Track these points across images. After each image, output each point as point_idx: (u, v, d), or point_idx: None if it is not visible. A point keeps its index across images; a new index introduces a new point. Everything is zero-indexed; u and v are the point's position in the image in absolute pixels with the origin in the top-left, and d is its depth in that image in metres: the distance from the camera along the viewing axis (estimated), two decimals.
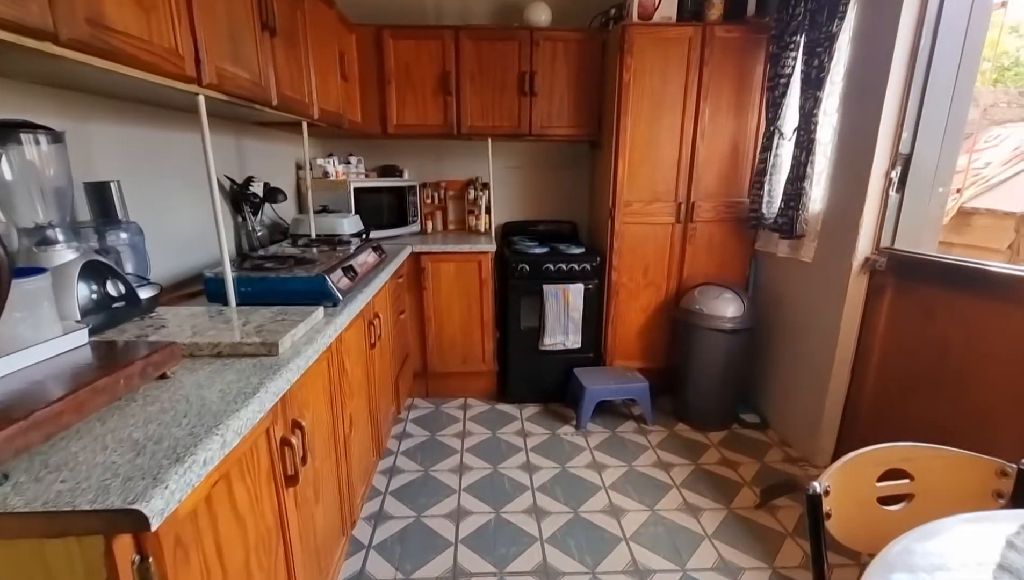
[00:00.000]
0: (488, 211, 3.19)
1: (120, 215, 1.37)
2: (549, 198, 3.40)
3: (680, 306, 2.73)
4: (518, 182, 3.36)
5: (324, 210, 2.43)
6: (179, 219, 1.74)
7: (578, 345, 2.90)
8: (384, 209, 2.94)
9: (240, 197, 2.02)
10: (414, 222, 3.11)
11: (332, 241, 2.04)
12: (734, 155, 2.73)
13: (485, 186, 3.22)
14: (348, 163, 2.98)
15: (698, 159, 2.71)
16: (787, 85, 2.44)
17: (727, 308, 2.54)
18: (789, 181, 2.38)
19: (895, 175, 1.99)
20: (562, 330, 2.87)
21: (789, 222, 2.37)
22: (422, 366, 2.98)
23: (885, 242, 2.05)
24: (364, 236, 2.51)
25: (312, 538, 1.29)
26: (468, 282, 2.85)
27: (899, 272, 1.97)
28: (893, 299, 2.00)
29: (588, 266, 2.83)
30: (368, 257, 1.93)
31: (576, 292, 2.80)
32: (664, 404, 2.94)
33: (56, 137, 1.03)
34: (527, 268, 2.81)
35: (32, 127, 1.00)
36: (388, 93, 2.82)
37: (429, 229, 3.28)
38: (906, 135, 1.95)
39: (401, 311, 2.63)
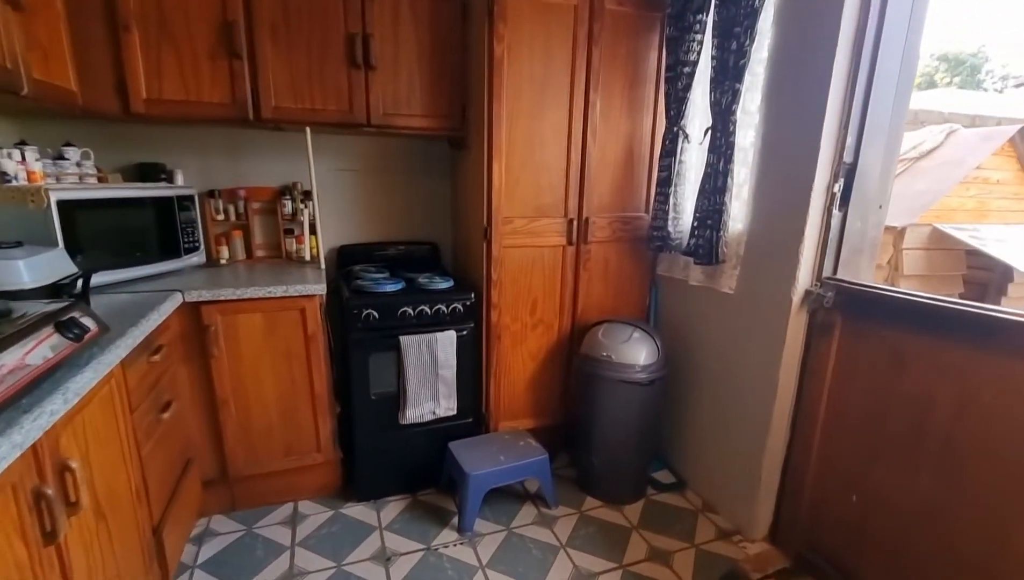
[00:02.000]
0: (314, 231, 2.27)
1: None
2: (400, 212, 2.58)
3: (581, 352, 2.14)
4: (356, 191, 2.49)
5: None
6: None
7: (453, 411, 2.15)
8: (133, 234, 1.84)
9: None
10: (194, 251, 2.05)
11: None
12: (629, 160, 2.23)
13: (308, 196, 2.29)
14: (62, 159, 1.81)
15: (590, 164, 2.15)
16: (692, 76, 1.99)
17: (639, 353, 2.02)
18: (703, 194, 1.93)
19: (838, 189, 1.62)
20: (430, 394, 2.09)
21: (707, 245, 1.91)
22: (220, 470, 1.95)
23: (827, 271, 1.68)
24: (82, 285, 1.43)
25: None
26: (287, 340, 1.91)
27: (852, 310, 1.60)
28: (844, 343, 1.63)
29: (460, 306, 2.09)
30: (30, 353, 0.93)
31: (447, 342, 2.05)
32: (562, 466, 2.35)
33: None
34: (375, 314, 1.97)
35: None
36: (128, 47, 1.75)
37: (224, 259, 2.24)
38: (851, 140, 1.58)
39: (165, 404, 1.60)
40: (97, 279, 1.64)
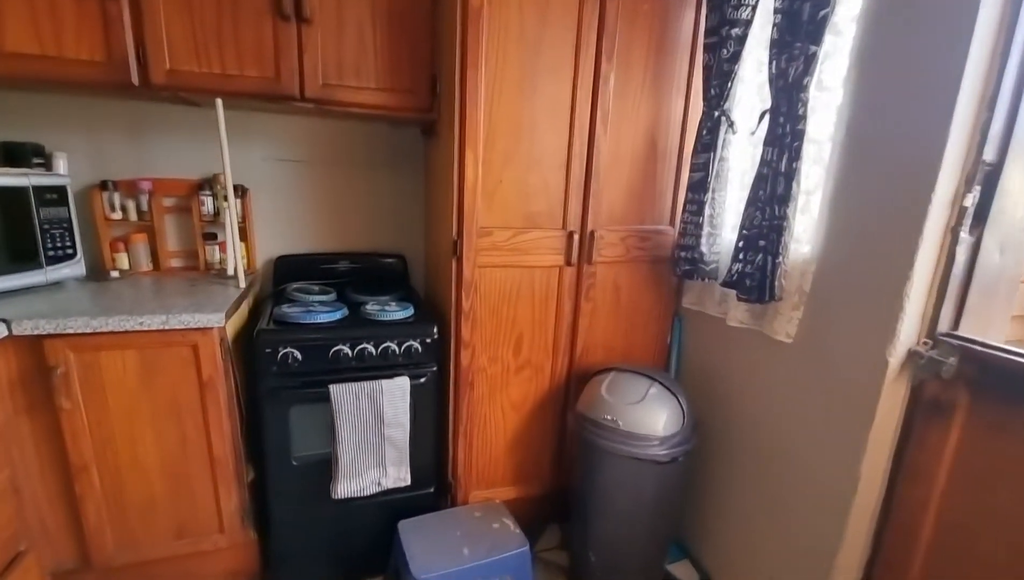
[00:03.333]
0: (241, 237, 1.75)
1: None
2: (360, 216, 2.06)
3: (578, 410, 1.60)
4: (303, 187, 1.97)
5: None
6: None
7: (405, 481, 1.62)
8: None
9: None
10: (66, 260, 1.54)
11: None
12: (652, 156, 1.69)
13: (236, 191, 1.78)
14: None
15: (599, 159, 1.62)
16: (743, 40, 1.45)
17: (657, 420, 1.47)
18: (754, 204, 1.38)
19: (971, 202, 1.07)
20: (374, 461, 1.56)
21: (758, 274, 1.37)
22: (80, 557, 1.44)
23: (944, 324, 1.13)
24: None
25: None
26: (173, 387, 1.40)
27: (987, 386, 1.05)
28: (971, 435, 1.08)
29: (417, 344, 1.57)
30: None
31: (396, 393, 1.52)
32: (552, 546, 1.82)
33: None
34: (297, 355, 1.45)
35: None
36: None
37: (116, 271, 1.73)
38: (996, 129, 1.03)
39: None
40: None
